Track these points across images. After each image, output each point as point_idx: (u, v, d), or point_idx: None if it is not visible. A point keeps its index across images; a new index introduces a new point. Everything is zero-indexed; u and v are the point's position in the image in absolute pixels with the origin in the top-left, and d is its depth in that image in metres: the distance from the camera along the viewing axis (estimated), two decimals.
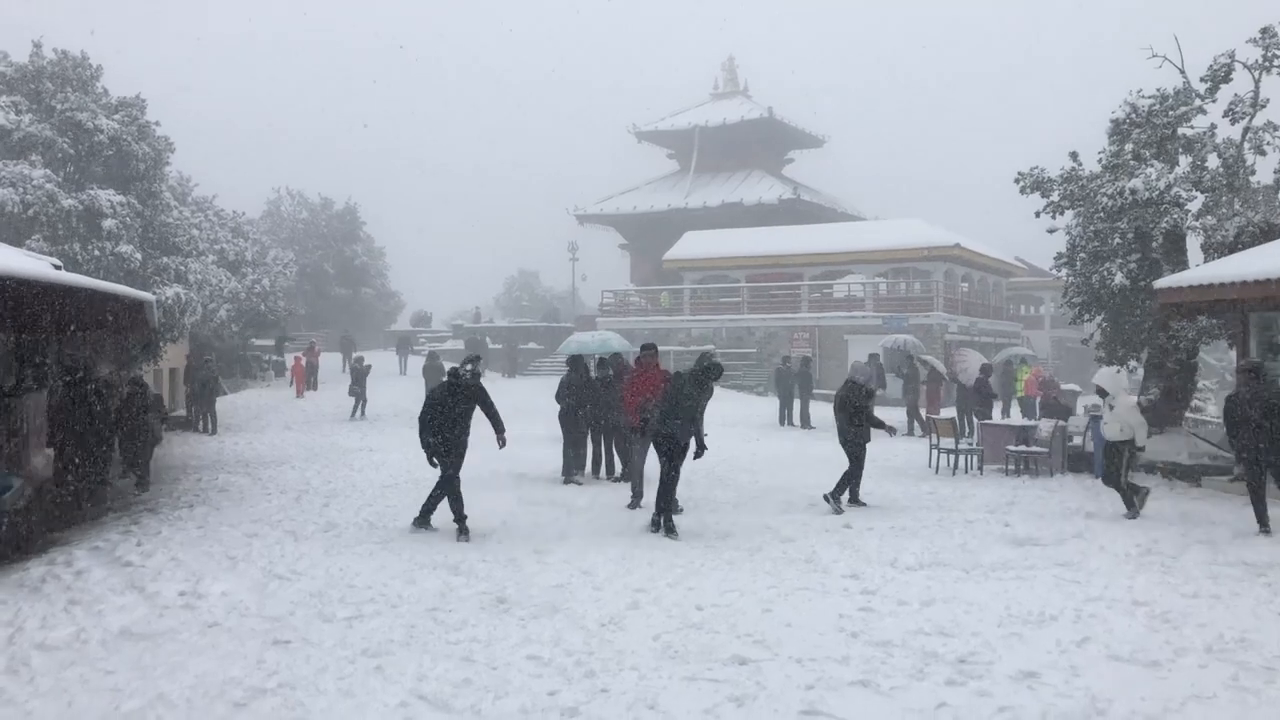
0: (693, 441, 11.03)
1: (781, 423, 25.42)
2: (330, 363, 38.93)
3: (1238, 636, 6.72)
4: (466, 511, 10.62)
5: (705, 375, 10.98)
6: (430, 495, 10.93)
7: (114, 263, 20.46)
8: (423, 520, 10.89)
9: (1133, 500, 12.00)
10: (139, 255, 21.12)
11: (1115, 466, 12.16)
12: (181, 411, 25.28)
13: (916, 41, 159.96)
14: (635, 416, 12.54)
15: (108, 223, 20.63)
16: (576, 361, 15.96)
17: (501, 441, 11.21)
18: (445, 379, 11.22)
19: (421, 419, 10.83)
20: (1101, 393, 12.56)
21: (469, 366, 11.14)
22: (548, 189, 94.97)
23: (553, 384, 16.76)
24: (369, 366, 27.25)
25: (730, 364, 38.47)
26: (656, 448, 11.05)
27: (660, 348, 38.52)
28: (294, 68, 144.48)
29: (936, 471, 16.19)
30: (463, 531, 10.45)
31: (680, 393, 10.90)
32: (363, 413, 25.89)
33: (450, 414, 10.69)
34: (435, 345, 40.17)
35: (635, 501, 12.44)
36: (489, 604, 7.69)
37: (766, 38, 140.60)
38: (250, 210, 45.02)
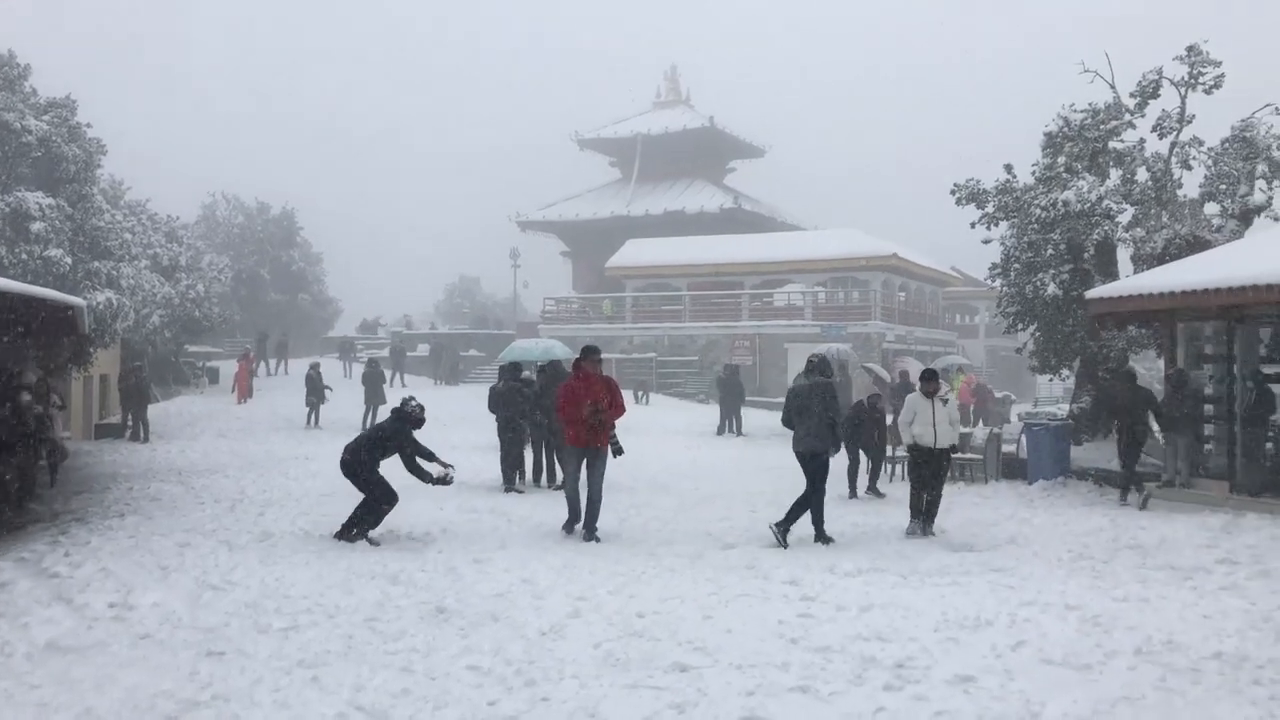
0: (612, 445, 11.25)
1: (720, 431, 25.32)
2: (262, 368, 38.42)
3: (1165, 639, 6.87)
4: (409, 525, 10.67)
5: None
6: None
7: (42, 266, 19.98)
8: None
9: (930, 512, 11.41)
10: (69, 259, 20.66)
11: (940, 477, 11.45)
12: (113, 419, 24.74)
13: (855, 53, 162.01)
14: (571, 430, 11.15)
15: (36, 225, 20.15)
16: (510, 370, 15.87)
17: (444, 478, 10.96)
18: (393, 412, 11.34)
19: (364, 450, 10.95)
20: (933, 390, 11.46)
21: (414, 402, 11.26)
22: (489, 195, 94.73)
23: None
24: (323, 383, 26.26)
25: (672, 371, 38.69)
26: (814, 470, 10.70)
27: (604, 355, 38.84)
28: (226, 67, 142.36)
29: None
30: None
31: (835, 401, 10.84)
32: (316, 421, 25.38)
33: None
34: (374, 352, 39.74)
35: (571, 524, 11.27)
36: (428, 614, 7.62)
37: (709, 47, 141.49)
38: (185, 214, 44.21)
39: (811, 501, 10.71)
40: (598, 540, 10.68)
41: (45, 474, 14.27)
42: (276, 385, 34.00)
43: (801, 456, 10.82)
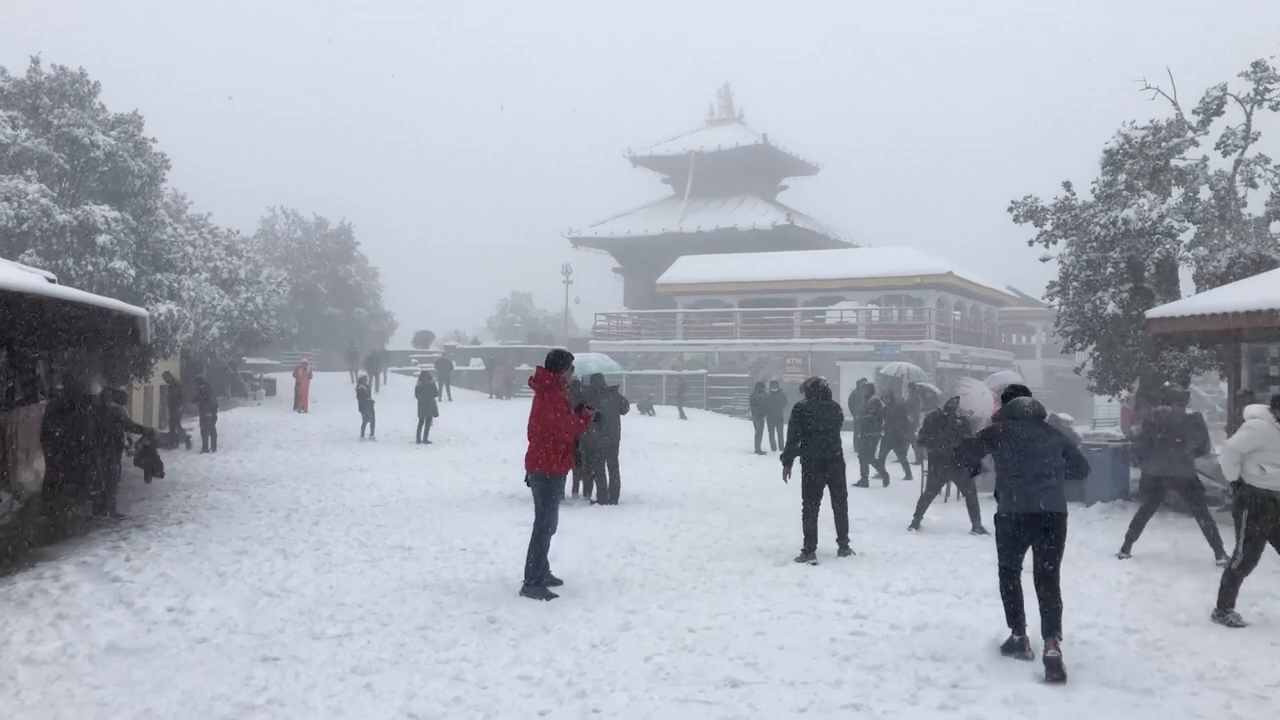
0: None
1: (757, 449, 24.79)
2: (336, 380, 39.11)
3: (1230, 665, 6.70)
4: (463, 537, 10.58)
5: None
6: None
7: (107, 278, 20.41)
8: None
9: None
10: (132, 271, 21.07)
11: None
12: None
13: (911, 70, 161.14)
14: (536, 458, 9.08)
15: (102, 238, 20.59)
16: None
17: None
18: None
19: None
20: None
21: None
22: (542, 212, 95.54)
23: None
24: (371, 396, 26.66)
25: (722, 388, 38.59)
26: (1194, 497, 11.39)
27: (652, 371, 38.77)
28: (290, 85, 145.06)
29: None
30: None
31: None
32: (371, 433, 25.68)
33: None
34: (426, 366, 40.14)
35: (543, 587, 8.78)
36: (480, 623, 7.65)
37: (762, 65, 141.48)
38: (245, 228, 45.06)
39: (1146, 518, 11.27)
40: (548, 597, 8.52)
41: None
42: (334, 399, 34.41)
43: (1172, 480, 11.39)
